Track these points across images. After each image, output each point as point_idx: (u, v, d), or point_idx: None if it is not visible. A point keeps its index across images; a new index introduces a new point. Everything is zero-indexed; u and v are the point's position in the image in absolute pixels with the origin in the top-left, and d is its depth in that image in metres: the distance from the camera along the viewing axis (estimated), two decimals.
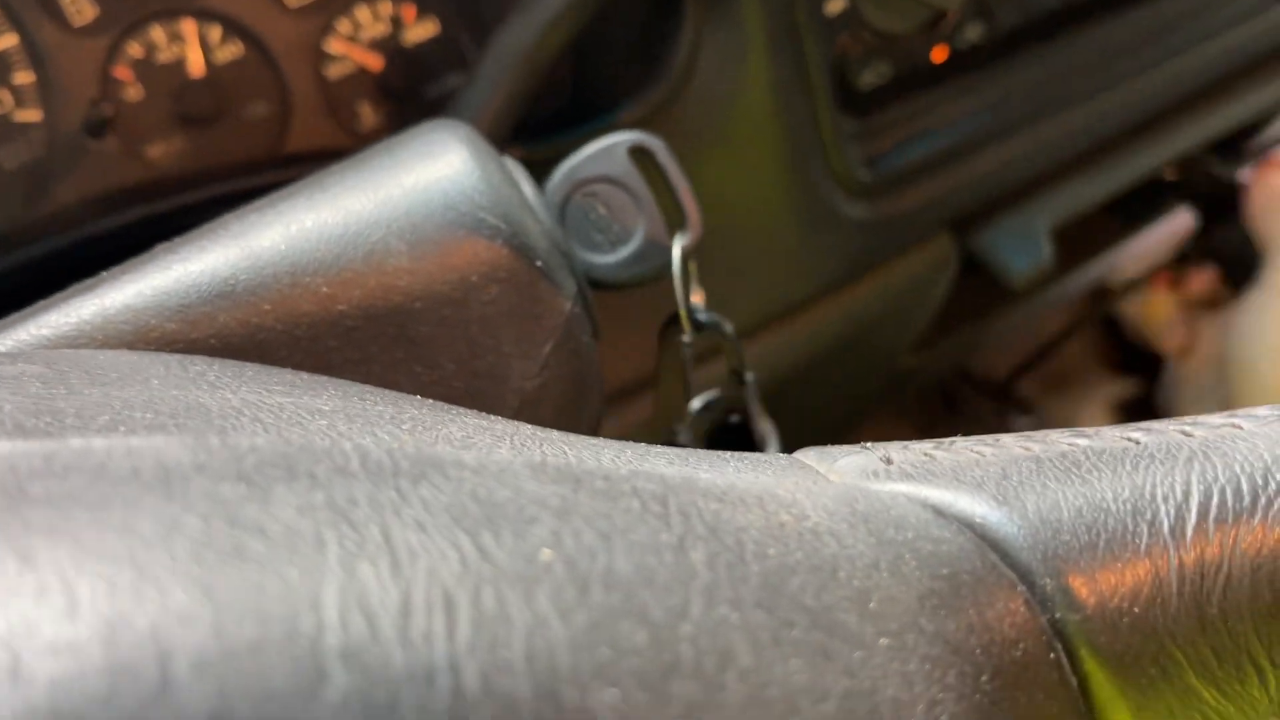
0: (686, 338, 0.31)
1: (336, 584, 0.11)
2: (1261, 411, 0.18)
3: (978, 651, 0.15)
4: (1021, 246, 0.51)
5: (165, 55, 0.44)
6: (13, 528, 0.11)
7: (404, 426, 0.15)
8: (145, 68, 0.43)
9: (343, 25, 0.46)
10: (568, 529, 0.13)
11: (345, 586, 0.11)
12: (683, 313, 0.31)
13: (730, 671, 0.12)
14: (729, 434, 0.33)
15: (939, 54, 0.49)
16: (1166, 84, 0.53)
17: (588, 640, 0.12)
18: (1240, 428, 0.17)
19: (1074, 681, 0.16)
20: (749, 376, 0.31)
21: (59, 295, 0.23)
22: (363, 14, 0.46)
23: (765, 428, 0.32)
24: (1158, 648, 0.16)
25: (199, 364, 0.18)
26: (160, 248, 0.24)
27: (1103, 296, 1.24)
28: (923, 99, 0.49)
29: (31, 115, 0.41)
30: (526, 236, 0.25)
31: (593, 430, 0.28)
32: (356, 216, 0.24)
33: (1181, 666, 0.16)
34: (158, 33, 0.43)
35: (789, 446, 0.61)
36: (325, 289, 0.23)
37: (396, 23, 0.47)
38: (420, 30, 0.47)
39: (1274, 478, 0.17)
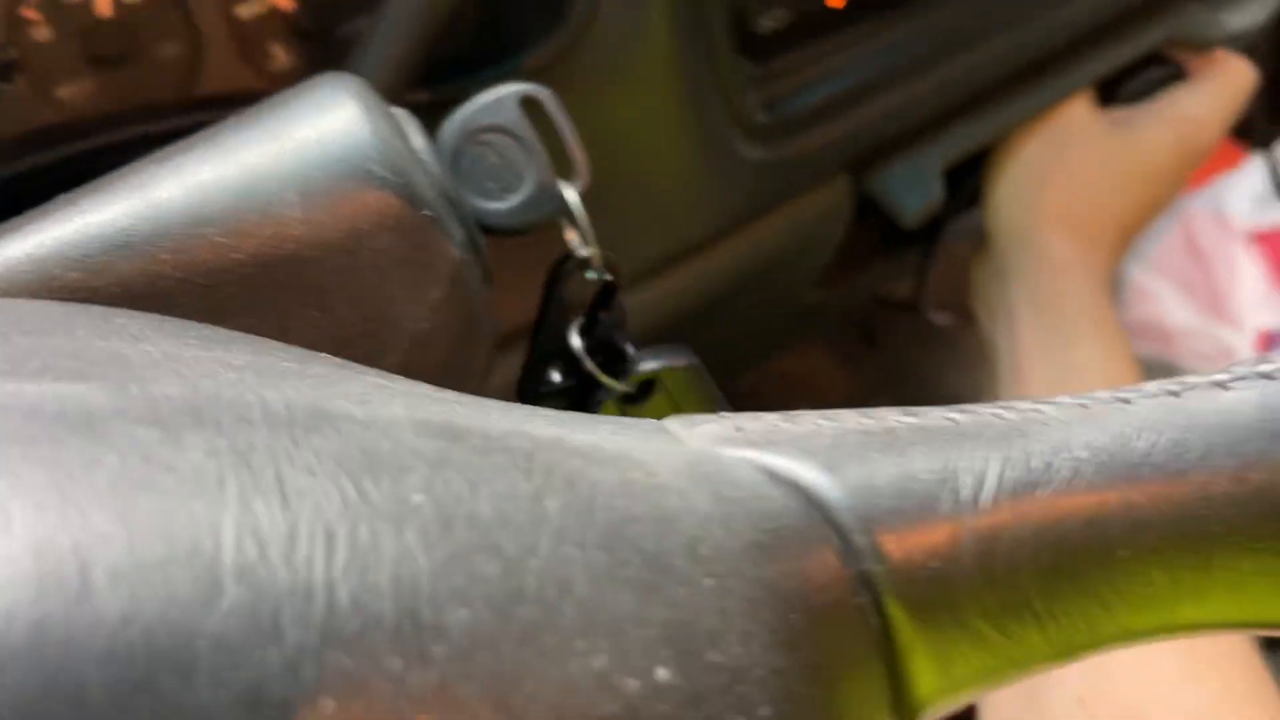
0: (591, 274, 0.33)
1: (233, 515, 0.13)
2: (1064, 400, 0.21)
3: (792, 594, 0.17)
4: (913, 186, 0.53)
5: None
6: None
7: (307, 382, 0.17)
8: (53, 8, 0.44)
9: None
10: (439, 477, 0.15)
11: (241, 518, 0.13)
12: (593, 253, 0.33)
13: (568, 599, 0.15)
14: (597, 356, 0.35)
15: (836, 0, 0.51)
16: (1053, 29, 0.55)
17: (446, 570, 0.14)
18: (1042, 412, 0.20)
19: (876, 623, 0.18)
20: (620, 302, 0.33)
21: None
22: None
23: (629, 349, 0.34)
24: (951, 597, 0.19)
25: (121, 317, 0.20)
26: (60, 199, 0.26)
27: None
28: (820, 44, 0.51)
29: None
30: (414, 186, 0.27)
31: (486, 370, 0.30)
32: (251, 169, 0.26)
33: (970, 612, 0.19)
34: None
35: (712, 375, 0.64)
36: (222, 239, 0.24)
37: None
38: None
39: (1060, 457, 0.19)
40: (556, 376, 0.36)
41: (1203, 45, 0.61)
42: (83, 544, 0.12)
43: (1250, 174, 1.21)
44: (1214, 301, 1.21)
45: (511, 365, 0.41)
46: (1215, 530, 0.19)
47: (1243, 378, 0.20)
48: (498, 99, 0.32)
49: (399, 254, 0.26)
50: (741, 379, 0.85)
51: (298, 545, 0.13)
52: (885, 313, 1.00)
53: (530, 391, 0.36)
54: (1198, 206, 1.17)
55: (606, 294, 0.33)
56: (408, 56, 0.37)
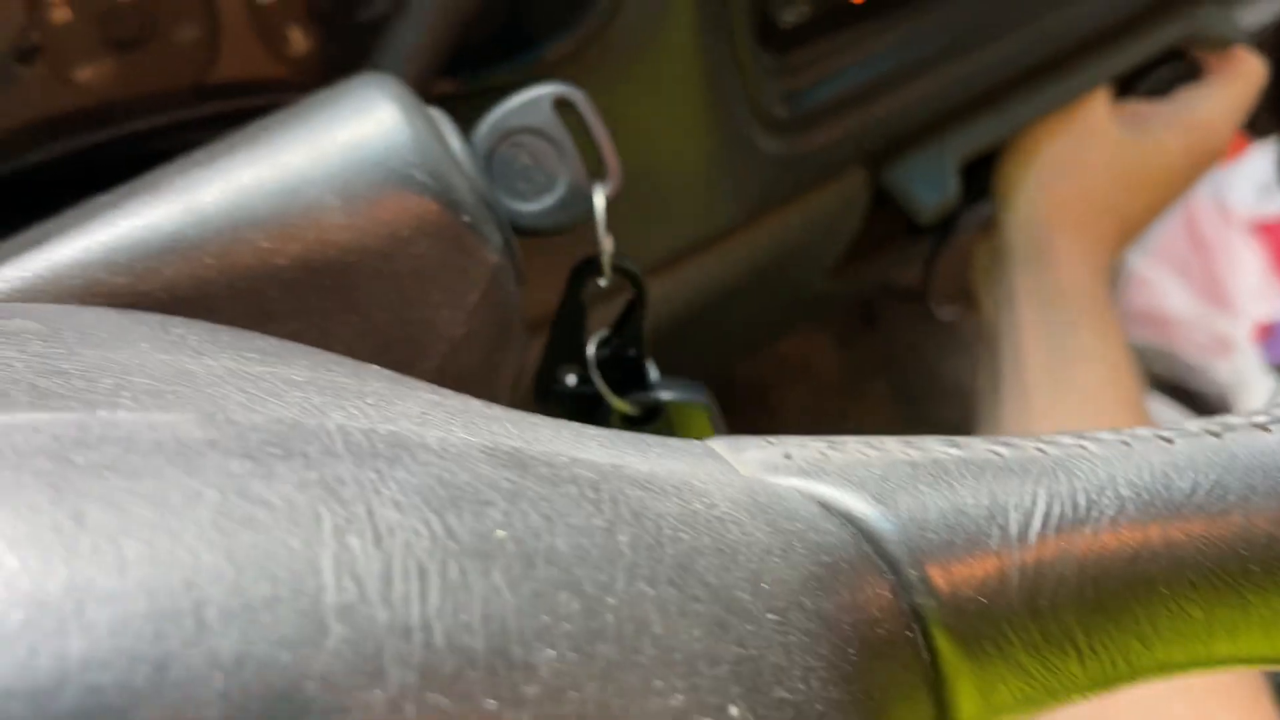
0: (603, 282, 0.33)
1: (331, 552, 0.13)
2: (1105, 436, 0.21)
3: (847, 628, 0.18)
4: (929, 181, 0.53)
5: None
6: (67, 493, 0.13)
7: (368, 400, 0.17)
8: None
9: None
10: (517, 511, 0.15)
11: (338, 555, 0.13)
12: (605, 260, 0.33)
13: (645, 637, 0.15)
14: (616, 369, 0.35)
15: None
16: (1071, 24, 0.55)
17: (532, 608, 0.14)
18: (1085, 449, 0.21)
19: (926, 656, 0.19)
20: (642, 314, 0.34)
21: (5, 245, 0.25)
22: None
23: (652, 374, 0.34)
24: (996, 630, 0.19)
25: (178, 327, 0.20)
26: (102, 200, 0.26)
27: None
28: (840, 37, 0.51)
29: None
30: (454, 191, 0.27)
31: (516, 371, 0.30)
32: (293, 173, 0.26)
33: (1015, 646, 0.19)
34: None
35: (718, 361, 0.64)
36: (265, 243, 0.24)
37: None
38: None
39: (1105, 495, 0.20)
40: (571, 378, 0.36)
41: (1219, 44, 0.61)
42: (194, 582, 0.12)
43: (1253, 164, 1.21)
44: (1213, 290, 1.21)
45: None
46: (1253, 570, 0.19)
47: None
48: (532, 100, 0.32)
49: (438, 259, 0.26)
50: (751, 357, 0.86)
51: (393, 583, 0.13)
52: (889, 300, 1.00)
53: (544, 391, 0.37)
54: (1200, 196, 1.18)
55: (631, 309, 0.33)
56: (436, 47, 0.37)
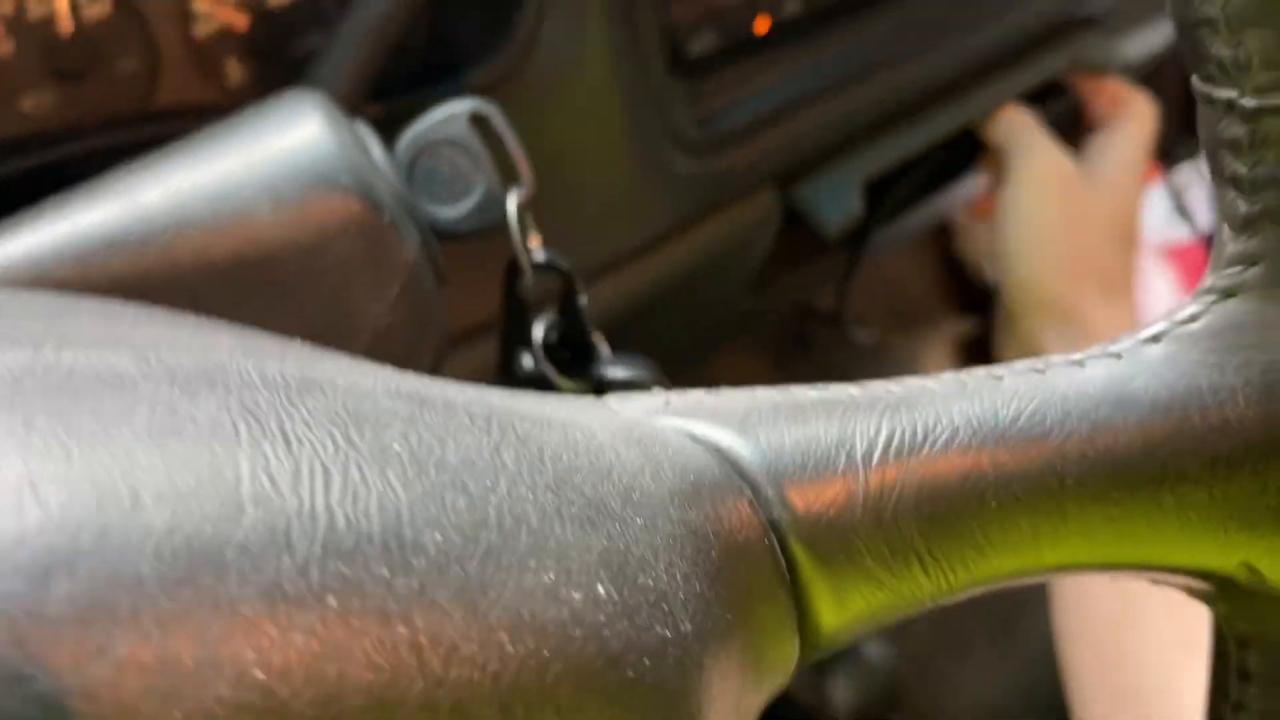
0: (527, 279, 0.36)
1: (247, 455, 0.16)
2: (945, 376, 0.24)
3: (710, 534, 0.21)
4: (835, 199, 0.57)
5: (35, 13, 0.46)
6: (18, 407, 0.16)
7: (288, 359, 0.20)
8: (15, 24, 0.46)
9: None
10: (413, 431, 0.18)
11: (253, 457, 0.16)
12: (521, 257, 0.36)
13: (522, 528, 0.18)
14: (565, 351, 0.38)
15: (762, 25, 0.54)
16: (966, 51, 0.59)
17: (422, 502, 0.17)
18: (926, 387, 0.24)
19: (784, 562, 0.22)
20: (582, 298, 0.36)
21: None
22: None
23: (598, 340, 0.37)
24: (846, 541, 0.22)
25: (115, 306, 0.22)
26: (52, 200, 0.28)
27: (944, 234, 1.33)
28: (748, 65, 0.54)
29: None
30: (375, 193, 0.29)
31: (436, 363, 0.33)
32: (228, 177, 0.28)
33: (863, 554, 0.22)
34: None
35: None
36: (202, 241, 0.27)
37: None
38: None
39: (939, 424, 0.23)
40: (527, 361, 0.39)
41: (1100, 71, 0.66)
42: (129, 472, 0.15)
43: (1159, 191, 1.28)
44: None
45: (482, 356, 0.43)
46: (1069, 484, 0.23)
47: (1096, 357, 0.24)
48: (449, 115, 0.35)
49: (361, 254, 0.29)
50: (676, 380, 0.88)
51: (301, 479, 0.16)
52: (817, 324, 1.04)
53: (503, 378, 0.39)
54: None
55: (565, 295, 0.36)
56: (361, 73, 0.40)
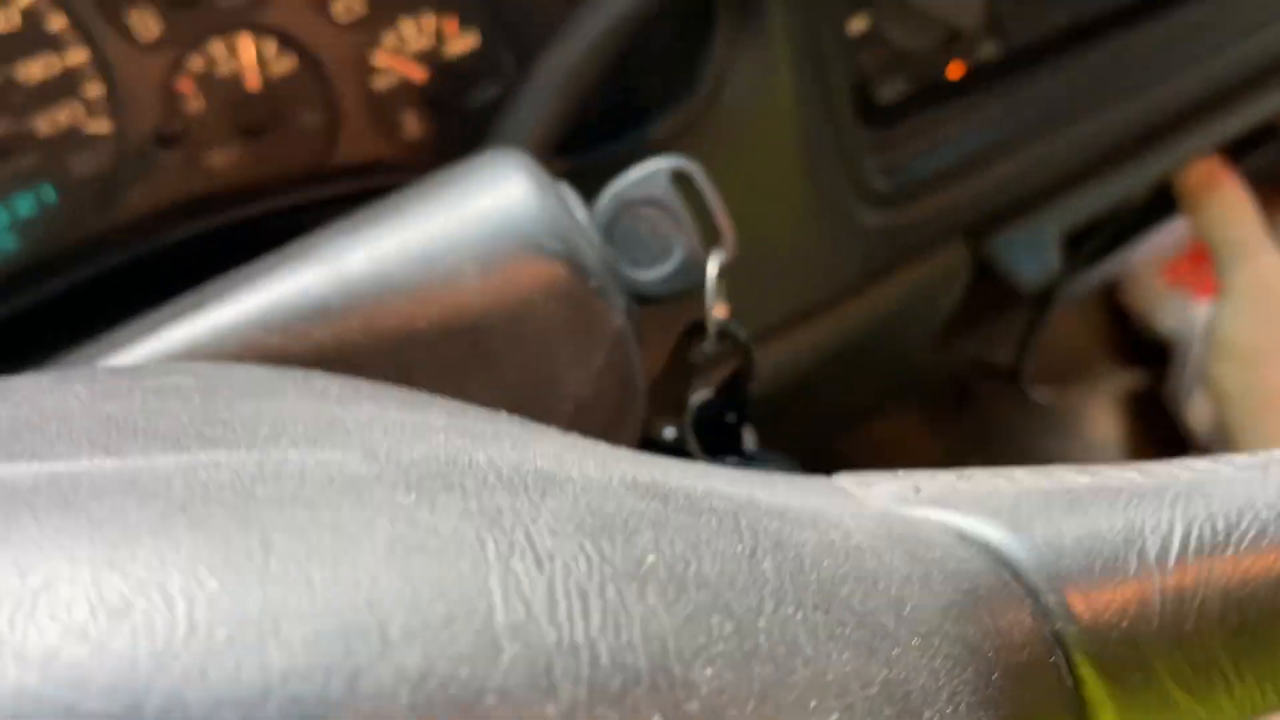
0: (708, 346, 0.34)
1: (498, 575, 0.14)
2: (1240, 459, 0.21)
3: (991, 653, 0.18)
4: (1032, 253, 0.53)
5: (224, 69, 0.46)
6: (253, 523, 0.14)
7: (506, 442, 0.18)
8: (206, 81, 0.46)
9: (388, 39, 0.49)
10: (664, 538, 0.16)
11: (504, 578, 0.14)
12: (709, 323, 0.33)
13: (797, 658, 0.15)
14: (714, 431, 0.35)
15: (955, 70, 0.51)
16: (1172, 96, 0.55)
17: (688, 628, 0.15)
18: (1220, 472, 0.20)
19: (1070, 682, 0.19)
20: (751, 382, 0.34)
21: (168, 309, 0.26)
22: (407, 28, 0.49)
23: (748, 443, 0.35)
24: (1141, 657, 0.19)
25: (319, 380, 0.21)
26: (254, 267, 0.27)
27: (1113, 289, 1.27)
28: (940, 112, 0.51)
29: (101, 126, 0.44)
30: (581, 258, 0.28)
31: (640, 430, 0.31)
32: (433, 241, 0.27)
33: (1160, 674, 0.19)
34: (218, 47, 0.46)
35: (811, 438, 0.64)
36: (406, 307, 0.26)
37: (439, 36, 0.49)
38: (461, 43, 0.50)
39: (1245, 518, 0.20)
40: (670, 431, 0.37)
41: None
42: (376, 602, 0.13)
43: None
44: None
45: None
46: None
47: None
48: (650, 173, 0.33)
49: (566, 321, 0.27)
50: (843, 438, 0.85)
51: (558, 604, 0.14)
52: (983, 379, 0.99)
53: (641, 442, 0.37)
54: None
55: (738, 374, 0.34)
56: (549, 131, 0.38)
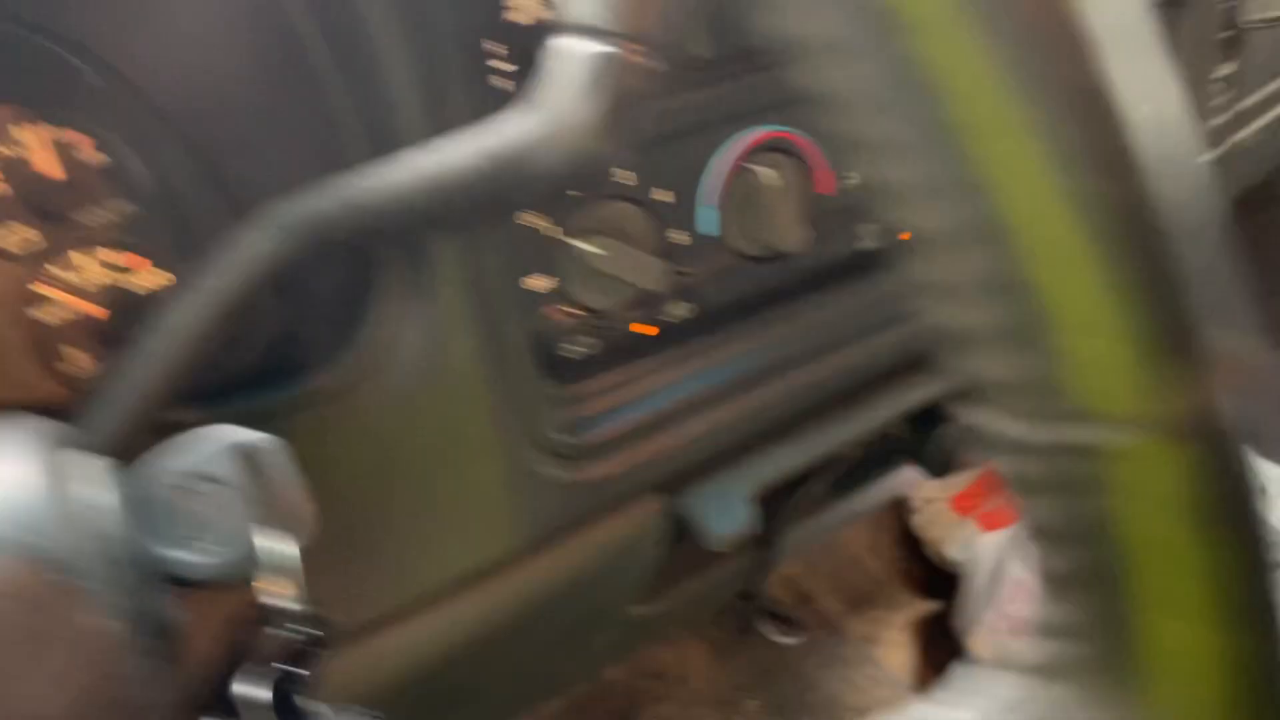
0: (274, 633, 0.31)
1: None
2: None
3: None
4: (722, 510, 0.53)
5: None
6: None
7: None
8: None
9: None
10: None
11: None
12: (268, 610, 0.31)
13: None
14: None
15: (645, 329, 0.52)
16: (867, 357, 0.56)
17: None
18: None
19: None
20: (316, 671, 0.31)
21: None
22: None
23: (317, 712, 0.31)
24: None
25: None
26: None
27: (900, 512, 1.28)
28: (630, 369, 0.51)
29: None
30: (46, 549, 0.25)
31: None
32: None
33: None
34: None
35: (522, 697, 0.60)
36: None
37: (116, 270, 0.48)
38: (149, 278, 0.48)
39: None
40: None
41: None
42: None
43: None
44: None
45: None
46: None
47: None
48: (215, 450, 0.31)
49: (21, 626, 0.25)
50: (569, 692, 0.82)
51: None
52: (755, 613, 0.98)
53: None
54: None
55: (306, 652, 0.31)
56: (163, 387, 0.36)
